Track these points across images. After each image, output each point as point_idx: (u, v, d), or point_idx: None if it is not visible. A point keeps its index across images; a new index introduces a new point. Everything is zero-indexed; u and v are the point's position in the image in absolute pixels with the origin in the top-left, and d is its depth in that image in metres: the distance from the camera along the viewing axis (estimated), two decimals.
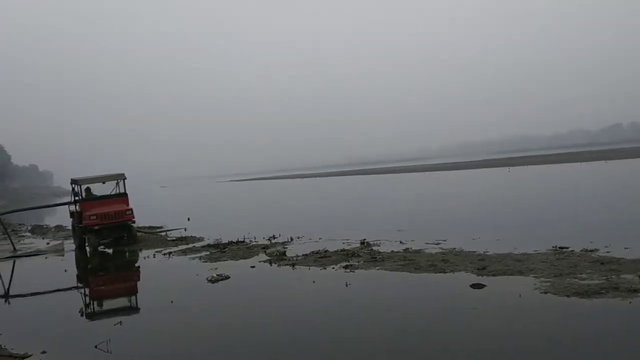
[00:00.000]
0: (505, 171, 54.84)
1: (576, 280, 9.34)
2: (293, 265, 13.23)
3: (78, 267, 17.69)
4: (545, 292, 8.84)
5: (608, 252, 11.38)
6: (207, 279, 12.40)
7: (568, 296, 8.51)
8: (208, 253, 16.35)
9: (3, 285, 15.17)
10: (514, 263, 11.08)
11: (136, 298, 12.48)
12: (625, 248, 11.44)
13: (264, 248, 16.04)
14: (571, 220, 17.11)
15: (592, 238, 12.80)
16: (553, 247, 12.29)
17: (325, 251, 14.40)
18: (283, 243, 16.95)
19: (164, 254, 17.26)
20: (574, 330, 7.26)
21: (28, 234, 30.08)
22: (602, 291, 8.54)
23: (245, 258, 14.95)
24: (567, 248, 12.02)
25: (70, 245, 21.74)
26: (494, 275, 10.33)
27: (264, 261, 14.16)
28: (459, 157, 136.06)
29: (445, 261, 11.86)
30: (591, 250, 11.66)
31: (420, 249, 13.68)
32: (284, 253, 14.72)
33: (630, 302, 7.93)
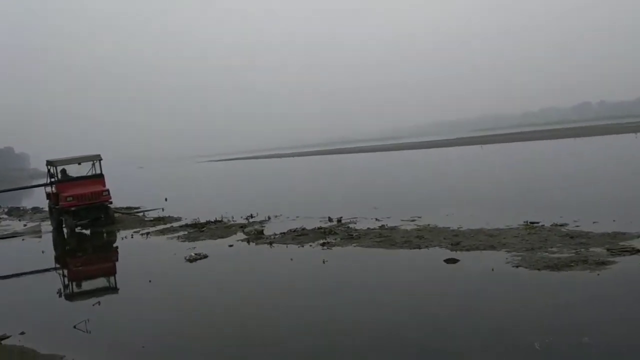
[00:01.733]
0: (478, 149, 55.49)
1: (547, 254, 9.61)
2: (271, 243, 13.36)
3: (56, 248, 17.64)
4: (517, 266, 9.08)
5: (577, 226, 11.69)
6: (185, 258, 12.48)
7: (539, 269, 8.76)
8: (186, 233, 16.41)
9: None
10: (487, 238, 11.33)
11: (115, 278, 12.54)
12: (593, 222, 11.76)
13: (241, 227, 16.15)
14: (542, 196, 17.50)
15: (562, 213, 13.12)
16: (524, 222, 12.57)
17: (303, 229, 14.55)
18: (261, 222, 17.06)
19: (142, 234, 17.27)
20: (545, 302, 7.46)
21: (5, 216, 29.76)
22: (572, 264, 8.80)
23: (223, 237, 15.05)
24: (538, 223, 12.32)
25: (47, 226, 21.59)
26: (467, 250, 10.57)
27: (242, 240, 14.27)
28: (432, 136, 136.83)
29: (420, 237, 12.10)
30: (561, 225, 11.97)
31: (395, 226, 13.90)
32: (261, 232, 14.84)
33: (598, 274, 8.20)
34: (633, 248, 9.35)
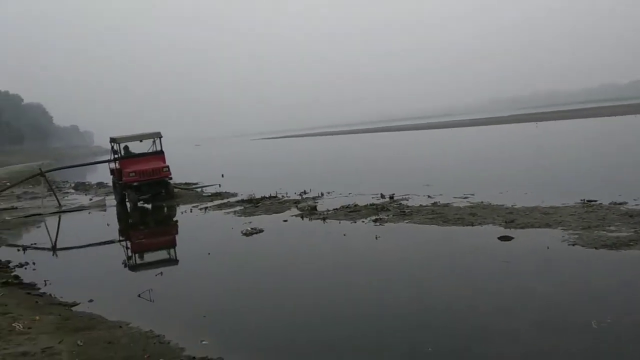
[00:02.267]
0: (533, 126, 53.89)
1: (604, 232, 9.42)
2: (324, 219, 13.58)
3: (119, 221, 18.44)
4: (574, 244, 8.96)
5: (637, 204, 11.35)
6: (241, 232, 12.86)
7: (596, 248, 8.62)
8: (242, 208, 16.84)
9: (50, 238, 16.00)
10: (542, 216, 11.17)
11: (175, 250, 13.05)
12: None
13: (295, 203, 16.44)
14: (600, 174, 16.99)
15: (621, 191, 12.72)
16: (581, 200, 12.30)
17: (355, 205, 14.70)
18: (314, 198, 17.31)
19: (200, 209, 17.82)
20: (602, 281, 7.38)
21: (72, 190, 31.15)
22: (631, 243, 8.60)
23: (277, 212, 15.38)
24: (596, 201, 12.02)
25: (111, 201, 22.53)
26: (521, 227, 10.47)
27: (296, 215, 14.56)
28: (486, 113, 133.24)
29: (473, 214, 12.04)
30: (620, 203, 11.64)
31: (448, 203, 13.85)
32: (315, 207, 15.08)
33: None
34: None
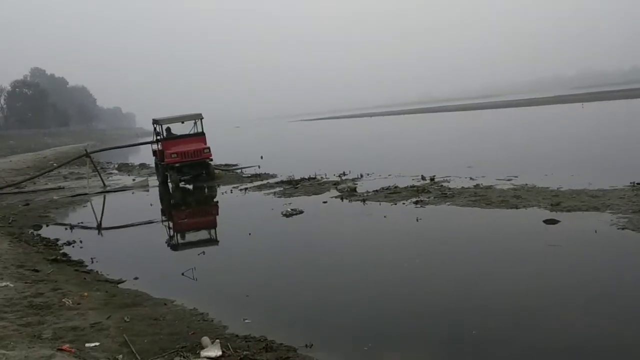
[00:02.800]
0: (579, 107, 52.30)
1: None
2: (364, 200, 13.52)
3: (162, 201, 18.79)
4: (623, 228, 8.67)
5: None
6: (282, 213, 12.91)
7: None
8: (281, 189, 16.91)
9: (96, 217, 16.42)
10: (589, 199, 10.85)
11: (216, 231, 13.22)
12: None
13: (334, 184, 16.40)
14: None
15: None
16: (631, 183, 11.86)
17: (395, 187, 14.57)
18: (353, 179, 17.23)
19: (240, 190, 17.98)
20: None
21: (115, 171, 31.92)
22: None
23: (317, 194, 15.38)
24: None
25: (153, 181, 22.98)
26: (568, 211, 10.19)
27: (336, 197, 14.53)
28: (530, 94, 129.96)
29: (517, 197, 11.77)
30: None
31: (491, 185, 13.59)
32: (354, 189, 15.02)
33: None
34: None
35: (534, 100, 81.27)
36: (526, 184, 13.18)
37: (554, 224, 9.48)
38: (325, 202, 14.02)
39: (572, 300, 6.26)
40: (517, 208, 10.92)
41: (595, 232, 8.68)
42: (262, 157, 27.47)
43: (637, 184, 11.72)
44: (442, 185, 14.34)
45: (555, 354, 5.10)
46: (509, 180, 14.11)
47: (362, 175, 17.85)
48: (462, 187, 13.68)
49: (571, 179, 13.20)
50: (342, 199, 14.19)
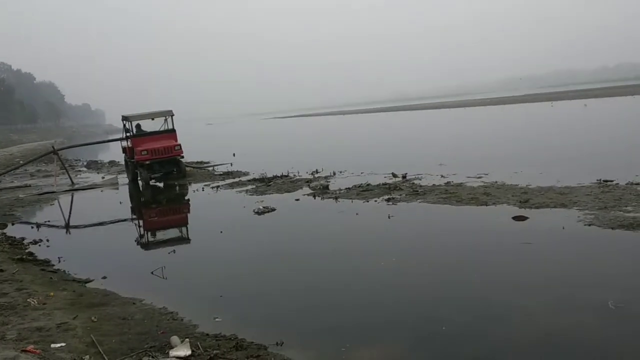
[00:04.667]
0: (548, 106, 53.27)
1: (621, 212, 9.30)
2: (336, 198, 13.53)
3: (132, 199, 18.54)
4: (590, 225, 8.85)
5: None
6: (254, 211, 12.84)
7: (613, 228, 8.51)
8: (254, 186, 16.82)
9: (63, 216, 16.11)
10: (557, 196, 11.04)
11: (187, 229, 13.09)
12: None
13: (307, 182, 16.38)
14: (616, 154, 16.77)
15: (638, 171, 12.54)
16: (597, 180, 12.13)
17: (368, 185, 14.63)
18: (326, 177, 17.25)
19: (212, 188, 17.84)
20: (619, 261, 7.30)
21: (84, 169, 31.35)
22: None
23: (289, 191, 15.35)
24: (612, 181, 11.85)
25: (123, 179, 22.63)
26: (536, 207, 10.36)
27: (308, 194, 14.52)
28: (499, 93, 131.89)
29: (487, 194, 11.92)
30: (637, 184, 11.45)
31: (461, 183, 13.75)
32: (327, 186, 15.02)
33: None
34: None
35: (504, 99, 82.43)
36: (496, 182, 13.36)
37: (522, 220, 9.62)
38: (297, 200, 14.00)
39: (539, 297, 6.34)
40: (487, 205, 11.06)
41: (563, 228, 8.83)
42: (234, 155, 27.30)
43: (604, 181, 11.97)
44: (413, 183, 14.43)
45: (526, 349, 5.15)
46: (479, 177, 14.28)
47: (334, 173, 17.88)
48: (433, 185, 13.79)
49: (540, 176, 13.41)
50: (314, 196, 14.19)
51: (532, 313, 5.86)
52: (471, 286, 6.91)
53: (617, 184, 11.61)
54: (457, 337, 5.47)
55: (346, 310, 6.46)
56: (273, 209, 12.87)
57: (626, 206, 9.70)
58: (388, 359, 5.02)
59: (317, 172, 18.46)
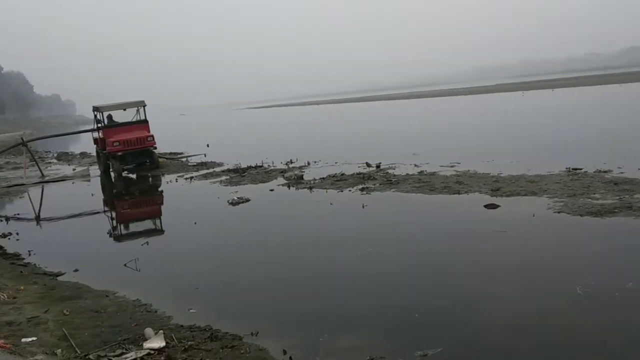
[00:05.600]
0: (519, 95, 53.99)
1: (589, 200, 9.49)
2: (310, 188, 13.55)
3: (104, 191, 18.28)
4: (559, 212, 9.03)
5: (622, 172, 11.42)
6: (228, 201, 12.79)
7: (581, 215, 8.69)
8: (228, 177, 16.74)
9: (34, 208, 15.83)
10: (528, 184, 11.23)
11: (161, 220, 12.98)
12: (638, 169, 11.47)
13: (282, 172, 16.37)
14: (585, 143, 17.09)
15: (605, 159, 12.79)
16: (566, 168, 12.35)
17: (342, 174, 14.67)
18: (300, 167, 17.25)
19: (186, 179, 17.70)
20: (588, 247, 7.46)
21: (54, 160, 30.82)
22: (616, 210, 8.68)
23: (264, 182, 15.32)
24: (581, 169, 12.08)
25: (95, 171, 22.32)
26: (507, 196, 10.52)
27: (283, 185, 14.51)
28: (472, 82, 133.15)
29: (459, 183, 12.07)
30: (605, 171, 11.71)
31: (434, 172, 13.87)
32: (301, 177, 15.03)
33: None
34: None
35: (476, 89, 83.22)
36: (468, 170, 13.51)
37: (494, 208, 9.77)
38: (272, 190, 13.98)
39: (511, 284, 6.45)
40: (459, 194, 11.20)
41: (534, 216, 8.99)
42: (208, 145, 27.09)
43: (573, 169, 12.21)
44: (387, 172, 14.52)
45: (498, 335, 5.25)
46: (452, 166, 14.43)
47: (309, 163, 17.88)
48: (407, 174, 13.89)
49: (511, 165, 13.61)
50: (289, 186, 14.18)
51: (503, 300, 5.96)
52: (445, 274, 7.00)
53: (586, 172, 11.84)
54: (431, 324, 5.56)
55: (322, 300, 6.50)
56: (247, 200, 12.84)
57: (594, 193, 9.91)
58: (364, 347, 5.06)
59: (291, 162, 18.45)
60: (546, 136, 20.10)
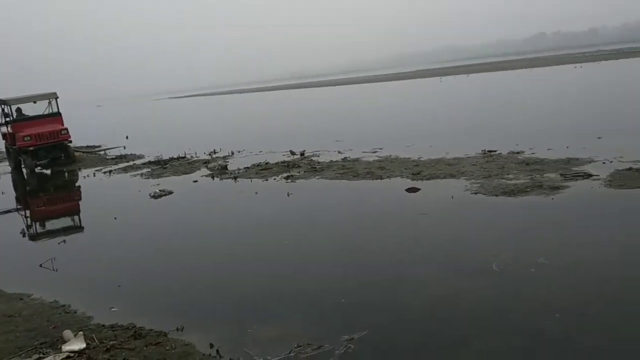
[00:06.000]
0: (437, 81, 55.70)
1: (504, 180, 9.96)
2: (235, 178, 13.42)
3: (16, 189, 17.37)
4: (476, 193, 9.41)
5: (533, 153, 12.06)
6: (150, 195, 12.46)
7: (497, 195, 9.09)
8: (149, 170, 16.30)
9: None
10: (447, 167, 11.63)
11: (79, 217, 12.47)
12: (548, 149, 12.15)
13: (205, 163, 16.13)
14: (499, 126, 17.91)
15: (518, 141, 13.47)
16: (482, 150, 12.89)
17: (266, 163, 14.62)
18: (224, 157, 17.05)
19: (105, 173, 17.09)
20: (502, 226, 7.80)
21: None
22: (528, 189, 9.15)
23: (187, 173, 15.04)
24: (495, 151, 12.65)
25: (5, 167, 21.16)
26: (428, 179, 10.85)
27: (206, 175, 14.29)
28: (391, 69, 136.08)
29: (381, 168, 12.33)
30: (517, 152, 12.33)
31: (357, 158, 14.10)
32: (225, 167, 14.86)
33: (552, 199, 8.56)
34: (585, 173, 9.76)
35: (396, 75, 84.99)
36: (390, 155, 13.82)
37: (415, 192, 10.04)
38: (195, 182, 13.74)
39: (431, 264, 6.65)
40: (382, 179, 11.43)
41: (452, 197, 9.31)
42: (127, 137, 26.25)
43: (488, 151, 12.74)
44: (311, 160, 14.61)
45: (417, 316, 5.41)
46: (374, 152, 14.70)
47: (233, 153, 17.69)
48: (331, 161, 14.04)
49: (430, 149, 14.03)
50: (213, 177, 13.99)
51: (424, 281, 6.15)
52: (369, 258, 7.12)
53: (500, 153, 12.40)
54: (356, 308, 5.64)
55: (249, 291, 6.44)
56: (170, 192, 12.56)
57: (508, 174, 10.39)
58: (291, 335, 5.08)
59: (215, 152, 18.19)
60: (463, 120, 20.86)
